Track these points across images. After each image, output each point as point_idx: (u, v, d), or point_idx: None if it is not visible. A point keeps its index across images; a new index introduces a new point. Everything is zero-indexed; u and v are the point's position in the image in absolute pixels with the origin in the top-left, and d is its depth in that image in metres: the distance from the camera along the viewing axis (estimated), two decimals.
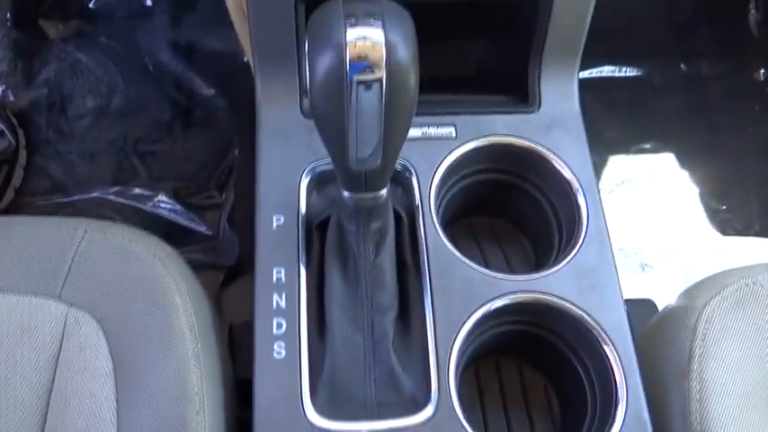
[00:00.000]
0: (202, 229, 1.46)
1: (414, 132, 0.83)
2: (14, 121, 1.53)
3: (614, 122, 1.57)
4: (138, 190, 1.49)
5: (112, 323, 0.71)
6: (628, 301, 0.80)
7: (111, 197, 1.48)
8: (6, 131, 1.50)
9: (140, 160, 1.52)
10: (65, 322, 0.71)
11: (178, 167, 1.52)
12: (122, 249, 0.75)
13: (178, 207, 1.48)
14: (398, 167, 0.82)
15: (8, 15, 1.59)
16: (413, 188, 0.81)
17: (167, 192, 1.49)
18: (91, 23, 1.66)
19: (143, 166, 1.52)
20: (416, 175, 0.82)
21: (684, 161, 1.56)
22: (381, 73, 0.55)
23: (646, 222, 1.46)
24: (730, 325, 0.74)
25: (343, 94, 0.56)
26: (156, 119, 1.57)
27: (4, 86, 1.57)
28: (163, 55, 1.64)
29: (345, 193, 0.69)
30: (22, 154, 1.51)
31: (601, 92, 1.59)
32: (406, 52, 0.56)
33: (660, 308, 0.95)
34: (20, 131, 1.53)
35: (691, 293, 0.79)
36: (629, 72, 1.64)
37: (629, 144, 1.56)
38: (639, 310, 0.91)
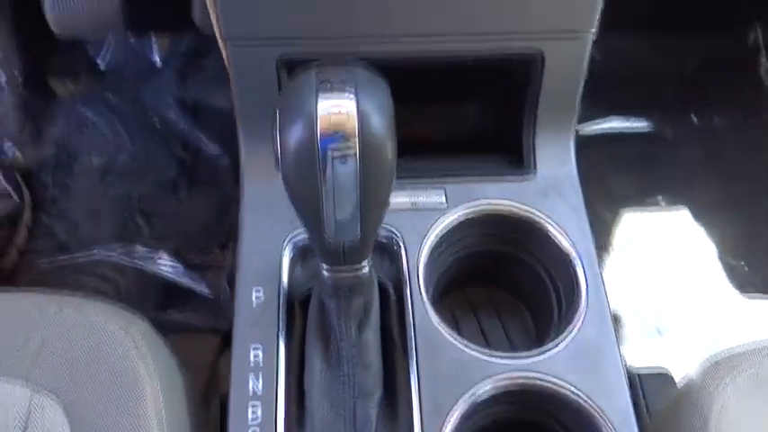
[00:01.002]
0: (203, 289, 1.43)
1: (401, 199, 0.80)
2: (20, 180, 1.54)
3: (625, 177, 1.53)
4: (140, 248, 1.48)
5: (78, 410, 0.68)
6: (643, 375, 0.75)
7: (113, 256, 1.47)
8: (12, 191, 1.51)
9: (144, 219, 1.51)
10: (29, 406, 0.68)
11: (181, 226, 1.50)
12: (96, 328, 0.73)
13: (179, 266, 1.46)
14: (385, 238, 0.78)
15: (16, 73, 1.61)
16: (400, 259, 0.78)
17: (169, 251, 1.47)
18: (99, 81, 1.68)
19: (147, 224, 1.51)
20: (404, 245, 0.78)
21: (699, 216, 1.51)
22: (355, 144, 0.52)
23: (661, 282, 1.40)
24: (746, 412, 0.69)
25: (316, 167, 0.53)
26: (161, 177, 1.56)
27: (12, 145, 1.58)
28: (170, 113, 1.65)
29: (324, 269, 0.66)
30: (27, 214, 1.51)
31: (610, 146, 1.55)
32: (380, 122, 0.53)
33: (677, 378, 0.89)
34: (25, 191, 1.53)
35: (705, 375, 0.74)
36: (638, 125, 1.61)
37: (641, 199, 1.52)
38: (655, 384, 0.85)
